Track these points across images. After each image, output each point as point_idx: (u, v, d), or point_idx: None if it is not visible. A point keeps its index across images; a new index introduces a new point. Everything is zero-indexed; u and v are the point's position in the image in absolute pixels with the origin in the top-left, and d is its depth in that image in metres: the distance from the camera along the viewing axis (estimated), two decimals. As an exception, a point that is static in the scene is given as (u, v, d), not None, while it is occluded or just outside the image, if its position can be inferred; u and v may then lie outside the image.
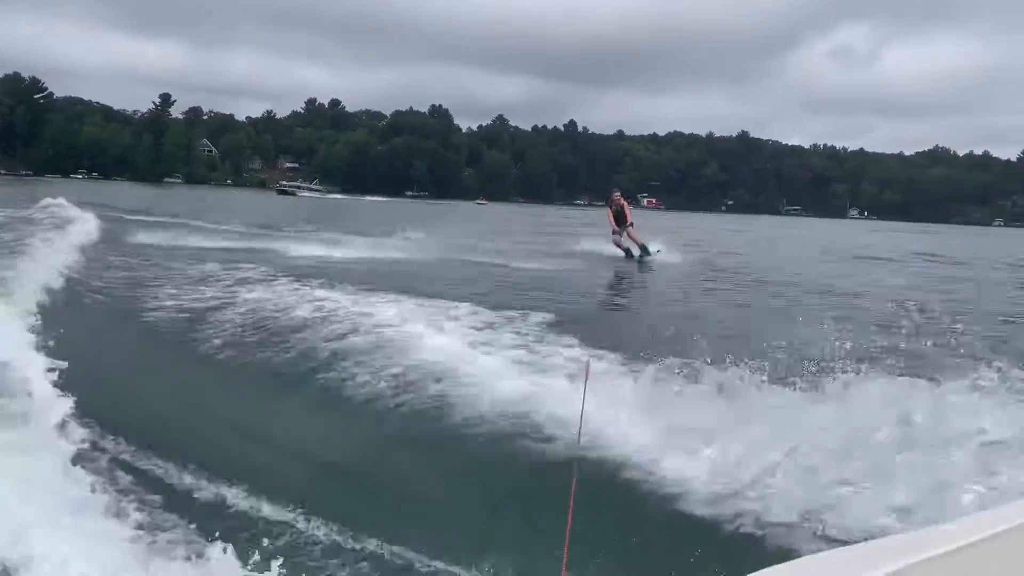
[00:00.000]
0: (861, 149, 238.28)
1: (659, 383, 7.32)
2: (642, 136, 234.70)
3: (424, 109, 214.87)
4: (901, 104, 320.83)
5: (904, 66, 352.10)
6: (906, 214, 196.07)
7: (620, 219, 22.89)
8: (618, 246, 23.08)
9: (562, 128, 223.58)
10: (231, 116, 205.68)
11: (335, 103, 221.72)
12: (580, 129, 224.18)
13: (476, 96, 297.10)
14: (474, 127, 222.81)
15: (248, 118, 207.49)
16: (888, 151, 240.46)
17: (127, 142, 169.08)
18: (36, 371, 7.63)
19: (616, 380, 7.68)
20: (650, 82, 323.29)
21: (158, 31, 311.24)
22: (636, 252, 22.66)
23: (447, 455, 6.30)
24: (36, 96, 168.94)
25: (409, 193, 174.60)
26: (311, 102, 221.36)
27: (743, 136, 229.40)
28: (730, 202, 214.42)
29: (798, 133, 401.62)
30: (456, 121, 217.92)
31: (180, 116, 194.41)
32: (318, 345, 9.49)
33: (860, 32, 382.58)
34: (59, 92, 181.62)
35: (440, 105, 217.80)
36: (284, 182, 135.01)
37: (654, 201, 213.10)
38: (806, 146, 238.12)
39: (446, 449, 6.39)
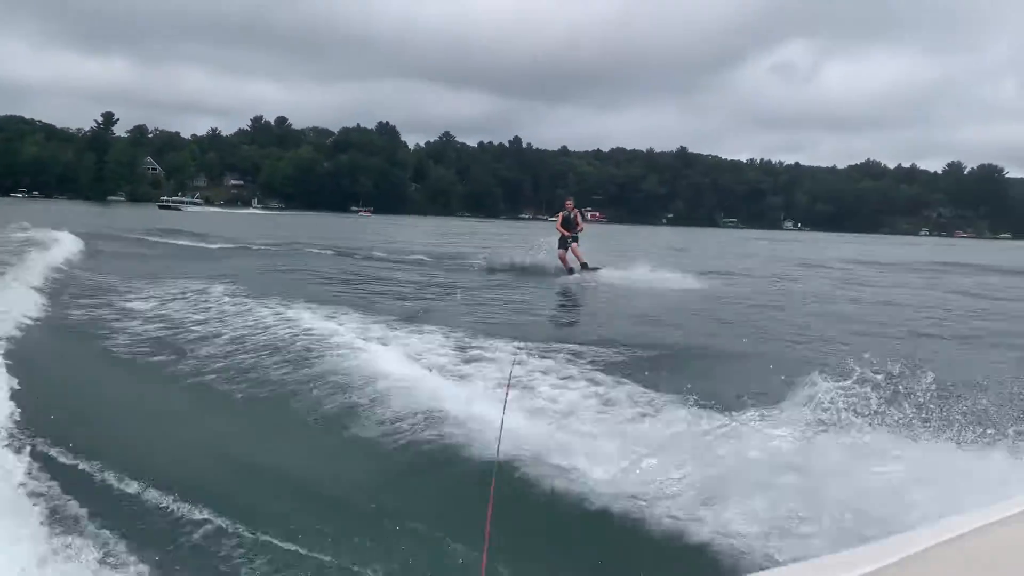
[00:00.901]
0: (796, 163, 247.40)
1: (585, 394, 7.78)
2: (586, 152, 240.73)
3: (372, 126, 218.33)
4: (839, 119, 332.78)
5: (842, 82, 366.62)
6: (838, 225, 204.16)
7: (569, 225, 22.81)
8: (562, 260, 22.88)
9: (507, 144, 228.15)
10: (177, 134, 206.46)
11: (281, 120, 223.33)
12: (525, 145, 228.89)
13: (425, 112, 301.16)
14: (422, 143, 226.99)
15: (193, 136, 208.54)
16: (824, 164, 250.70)
17: (69, 160, 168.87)
18: None
19: (538, 387, 7.98)
20: (596, 99, 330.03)
21: (105, 47, 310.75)
22: (578, 269, 22.47)
23: (364, 459, 6.34)
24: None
25: (354, 208, 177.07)
26: (257, 119, 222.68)
27: (682, 151, 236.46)
28: (670, 215, 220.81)
29: (741, 148, 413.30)
30: (404, 138, 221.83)
31: (125, 134, 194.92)
32: (246, 356, 9.71)
33: (800, 49, 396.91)
34: (0, 111, 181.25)
35: (387, 122, 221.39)
36: (165, 197, 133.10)
37: (597, 215, 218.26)
38: (744, 160, 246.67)
39: (362, 453, 6.44)
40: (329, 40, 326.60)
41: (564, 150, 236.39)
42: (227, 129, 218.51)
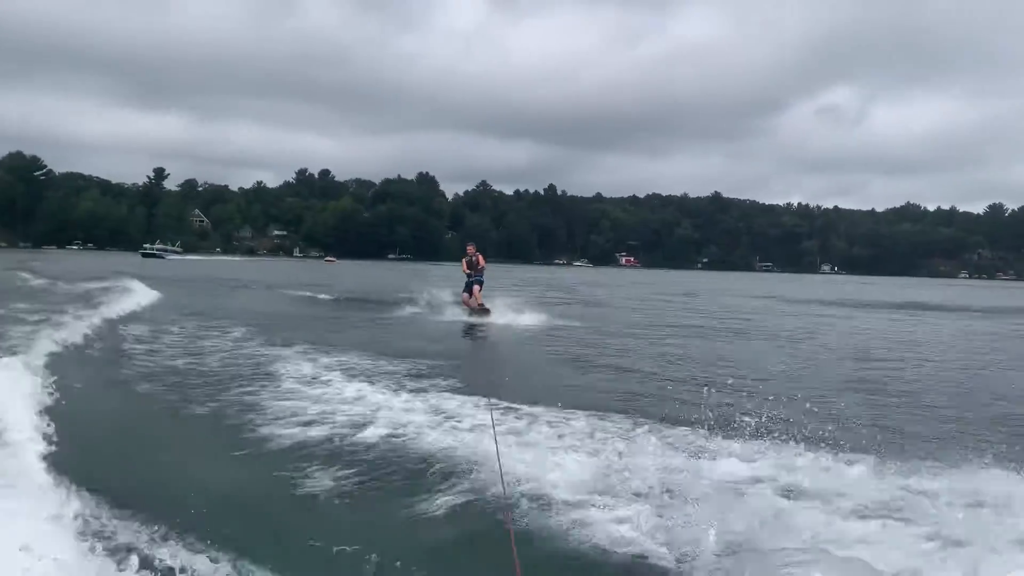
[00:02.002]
0: (836, 207, 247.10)
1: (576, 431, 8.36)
2: (621, 198, 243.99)
3: (413, 176, 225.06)
4: (879, 162, 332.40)
5: (885, 126, 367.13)
6: (875, 269, 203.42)
7: (472, 266, 24.36)
8: (465, 302, 24.38)
9: (542, 192, 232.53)
10: (225, 187, 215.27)
11: (325, 172, 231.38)
12: (560, 192, 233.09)
13: (463, 162, 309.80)
14: (460, 192, 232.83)
15: (240, 188, 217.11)
16: (863, 208, 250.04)
17: (122, 214, 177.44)
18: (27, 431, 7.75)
19: (525, 428, 8.50)
20: (632, 146, 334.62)
21: (161, 104, 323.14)
22: (476, 308, 23.85)
23: (377, 507, 6.34)
24: (36, 173, 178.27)
25: (391, 256, 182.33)
26: (302, 172, 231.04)
27: (716, 196, 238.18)
28: (705, 260, 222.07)
29: (776, 192, 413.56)
30: (442, 187, 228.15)
31: (176, 188, 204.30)
32: (262, 399, 10.08)
33: (845, 93, 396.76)
34: (61, 167, 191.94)
35: (427, 172, 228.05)
36: (147, 245, 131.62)
37: (632, 260, 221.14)
38: (781, 204, 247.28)
39: (376, 501, 6.46)
40: (374, 94, 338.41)
41: (599, 196, 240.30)
42: (274, 182, 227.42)
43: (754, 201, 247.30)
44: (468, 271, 24.52)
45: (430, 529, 5.92)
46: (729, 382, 11.44)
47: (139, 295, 26.72)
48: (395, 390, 10.62)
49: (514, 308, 24.65)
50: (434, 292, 29.06)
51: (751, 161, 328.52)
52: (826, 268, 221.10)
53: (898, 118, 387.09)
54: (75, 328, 16.02)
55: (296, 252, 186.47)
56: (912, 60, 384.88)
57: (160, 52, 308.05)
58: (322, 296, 33.89)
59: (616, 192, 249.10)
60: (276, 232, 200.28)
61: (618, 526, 5.73)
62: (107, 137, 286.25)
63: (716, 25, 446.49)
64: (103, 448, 8.00)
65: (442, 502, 6.34)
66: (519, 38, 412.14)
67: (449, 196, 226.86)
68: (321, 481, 6.82)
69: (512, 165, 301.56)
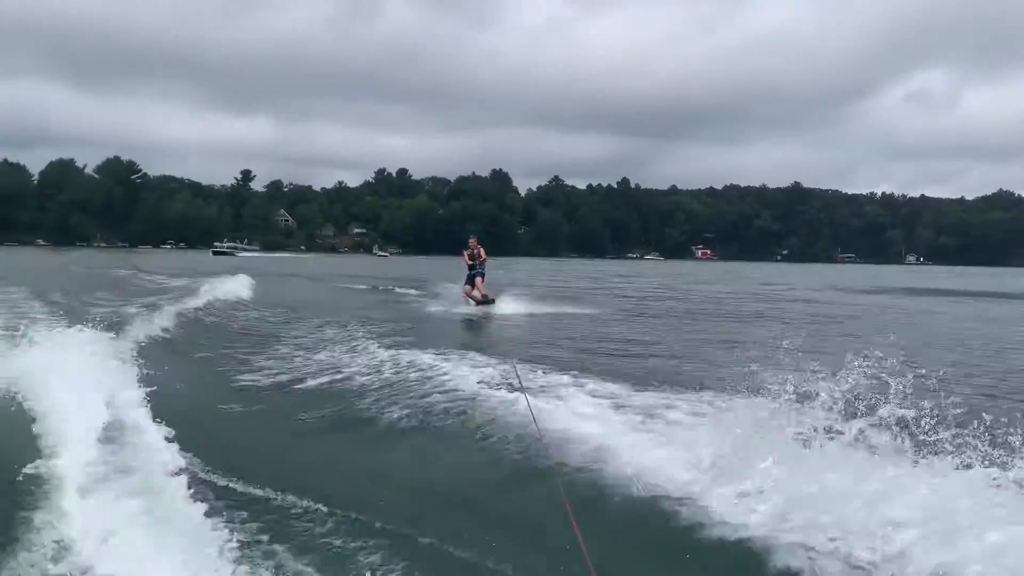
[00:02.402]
0: (922, 196, 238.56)
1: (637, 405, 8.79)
2: (698, 190, 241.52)
3: (487, 173, 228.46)
4: (971, 149, 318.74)
5: (978, 111, 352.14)
6: (963, 259, 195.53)
7: (473, 258, 24.91)
8: (467, 294, 24.89)
9: (615, 185, 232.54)
10: (309, 187, 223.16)
11: (403, 171, 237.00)
12: (633, 186, 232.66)
13: (537, 158, 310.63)
14: (533, 187, 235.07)
15: (323, 188, 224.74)
16: (951, 196, 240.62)
17: (211, 215, 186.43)
18: (143, 415, 7.88)
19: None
20: (710, 137, 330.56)
21: (248, 108, 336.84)
22: (478, 300, 24.35)
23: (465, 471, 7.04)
24: (132, 176, 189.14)
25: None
26: (380, 171, 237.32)
27: (795, 187, 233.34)
28: (784, 251, 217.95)
29: (859, 181, 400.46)
30: (516, 183, 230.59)
31: (262, 189, 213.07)
32: (371, 390, 10.65)
33: (935, 78, 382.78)
34: (155, 170, 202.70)
35: (501, 169, 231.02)
36: (218, 243, 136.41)
37: (708, 252, 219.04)
38: (864, 194, 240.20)
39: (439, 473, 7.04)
40: (450, 92, 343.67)
41: (673, 189, 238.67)
42: (355, 181, 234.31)
43: (836, 191, 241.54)
44: (470, 263, 24.97)
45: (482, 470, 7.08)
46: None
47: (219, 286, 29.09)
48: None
49: (516, 299, 25.62)
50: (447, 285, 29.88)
51: (833, 150, 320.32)
52: (911, 259, 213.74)
53: (991, 102, 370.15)
54: (174, 312, 18.85)
55: (375, 249, 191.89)
56: (1006, 41, 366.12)
57: (248, 58, 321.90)
58: (359, 286, 37.53)
59: (692, 184, 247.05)
60: (356, 230, 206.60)
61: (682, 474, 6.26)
62: (198, 141, 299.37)
63: (795, 9, 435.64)
64: (209, 422, 9.07)
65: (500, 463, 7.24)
66: (592, 30, 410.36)
67: (522, 192, 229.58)
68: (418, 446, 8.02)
69: (585, 159, 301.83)
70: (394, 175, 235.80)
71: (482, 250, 25.18)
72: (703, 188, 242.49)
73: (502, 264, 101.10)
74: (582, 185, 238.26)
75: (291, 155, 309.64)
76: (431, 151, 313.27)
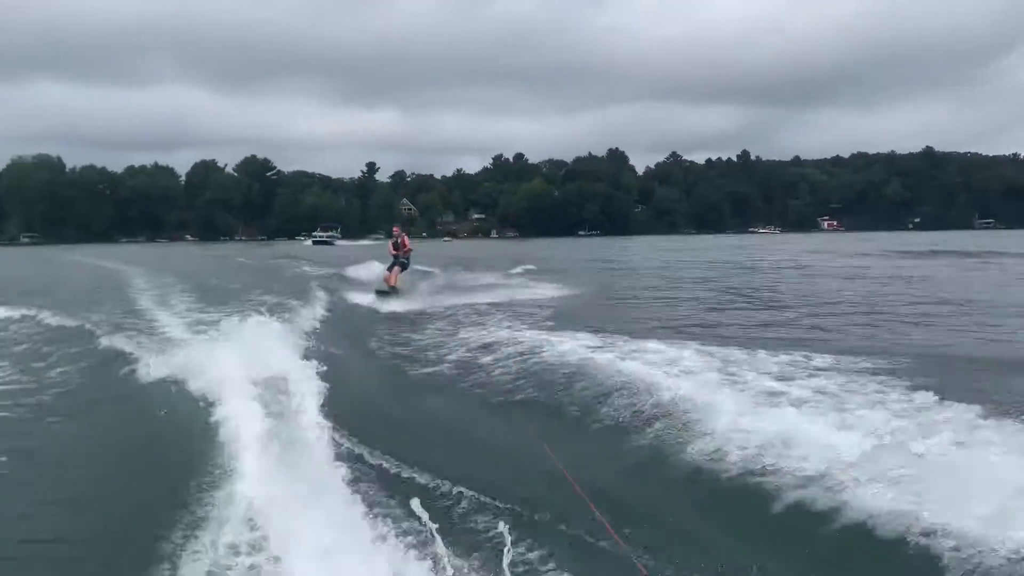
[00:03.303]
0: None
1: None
2: (823, 159, 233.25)
3: (603, 152, 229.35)
4: None
5: None
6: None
7: (397, 247, 25.37)
8: (386, 280, 24.91)
9: (735, 159, 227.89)
10: (430, 175, 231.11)
11: (519, 156, 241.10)
12: (754, 158, 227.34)
13: (654, 134, 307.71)
14: (651, 165, 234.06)
15: (443, 176, 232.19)
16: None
17: (340, 207, 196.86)
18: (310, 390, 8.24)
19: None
20: (833, 103, 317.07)
21: (372, 102, 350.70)
22: (386, 288, 24.27)
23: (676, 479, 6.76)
24: (268, 173, 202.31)
25: (581, 232, 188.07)
26: (498, 157, 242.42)
27: (928, 151, 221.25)
28: (917, 219, 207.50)
29: (1007, 143, 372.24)
30: (632, 161, 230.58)
31: (387, 180, 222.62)
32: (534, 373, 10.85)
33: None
34: (288, 166, 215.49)
35: (617, 148, 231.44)
36: (316, 233, 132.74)
37: (834, 223, 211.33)
38: (1007, 155, 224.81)
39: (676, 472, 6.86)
40: (568, 72, 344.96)
41: (796, 160, 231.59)
42: (475, 167, 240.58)
43: (975, 154, 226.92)
44: (394, 252, 25.26)
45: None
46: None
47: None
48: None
49: (431, 292, 25.02)
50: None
51: (973, 110, 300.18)
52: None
53: None
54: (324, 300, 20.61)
55: (493, 233, 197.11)
56: None
57: (371, 53, 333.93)
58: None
59: (816, 154, 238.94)
60: (475, 216, 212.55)
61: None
62: (326, 136, 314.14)
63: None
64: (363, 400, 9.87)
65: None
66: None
67: (640, 170, 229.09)
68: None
69: (704, 133, 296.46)
70: (511, 160, 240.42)
71: (407, 239, 25.81)
72: (828, 157, 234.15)
73: (608, 245, 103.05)
74: (701, 160, 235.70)
75: (414, 145, 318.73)
76: (549, 133, 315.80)
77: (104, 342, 13.29)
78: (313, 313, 17.49)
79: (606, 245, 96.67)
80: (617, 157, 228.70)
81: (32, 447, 8.22)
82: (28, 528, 6.08)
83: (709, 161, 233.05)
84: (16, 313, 18.07)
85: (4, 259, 72.03)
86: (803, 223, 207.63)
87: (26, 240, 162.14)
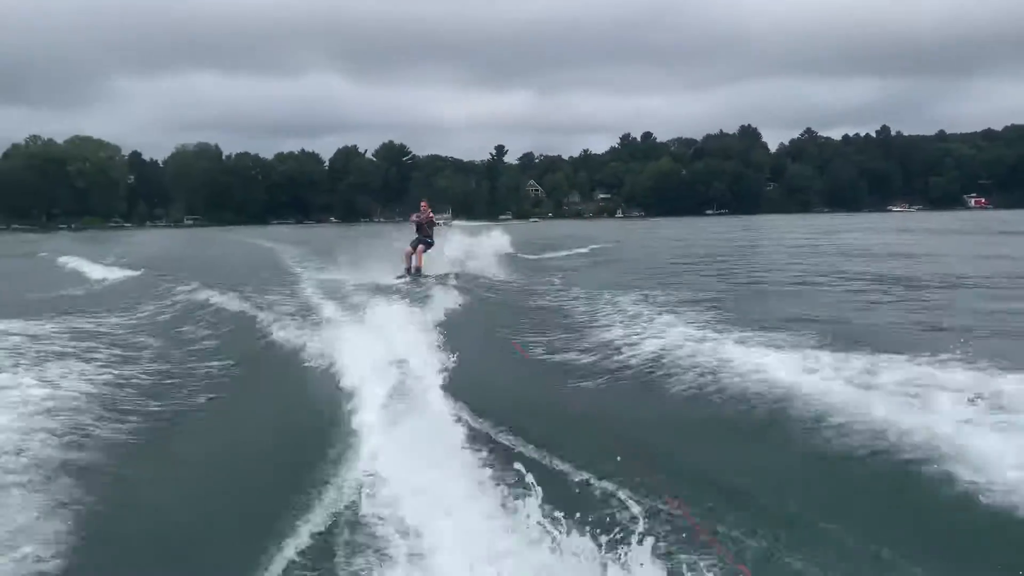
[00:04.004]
0: None
1: None
2: (972, 133, 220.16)
3: (734, 130, 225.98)
4: None
5: None
6: None
7: (422, 228, 24.09)
8: (406, 257, 23.88)
9: (874, 135, 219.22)
10: (558, 156, 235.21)
11: (647, 135, 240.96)
12: (894, 133, 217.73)
13: (789, 110, 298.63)
14: (786, 141, 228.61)
15: (570, 157, 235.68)
16: None
17: (470, 189, 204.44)
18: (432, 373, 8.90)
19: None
20: (984, 72, 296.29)
21: (503, 84, 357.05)
22: (413, 270, 23.36)
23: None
24: (404, 158, 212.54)
25: (709, 211, 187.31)
26: (625, 136, 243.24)
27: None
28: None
29: None
30: (764, 137, 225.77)
31: (516, 161, 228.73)
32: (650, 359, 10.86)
33: None
34: (423, 151, 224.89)
35: (749, 124, 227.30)
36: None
37: (983, 201, 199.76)
38: None
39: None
40: (703, 47, 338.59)
41: (941, 134, 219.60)
42: (603, 147, 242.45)
43: None
44: (418, 232, 24.13)
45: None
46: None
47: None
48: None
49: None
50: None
51: None
52: None
53: None
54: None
55: (618, 213, 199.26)
56: None
57: (506, 36, 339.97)
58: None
59: (963, 127, 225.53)
60: (601, 196, 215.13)
61: None
62: (458, 119, 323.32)
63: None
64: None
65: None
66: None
67: (772, 147, 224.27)
68: None
69: (841, 108, 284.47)
70: (639, 139, 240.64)
71: (432, 215, 24.68)
72: (977, 131, 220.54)
73: (733, 225, 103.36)
74: (837, 136, 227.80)
75: (544, 125, 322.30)
76: (679, 111, 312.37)
77: (260, 317, 14.99)
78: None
79: (713, 224, 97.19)
80: (749, 134, 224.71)
81: (188, 406, 9.42)
82: (185, 476, 7.06)
83: (846, 137, 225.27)
84: (186, 288, 20.71)
85: (173, 238, 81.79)
86: (947, 200, 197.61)
87: (189, 222, 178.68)
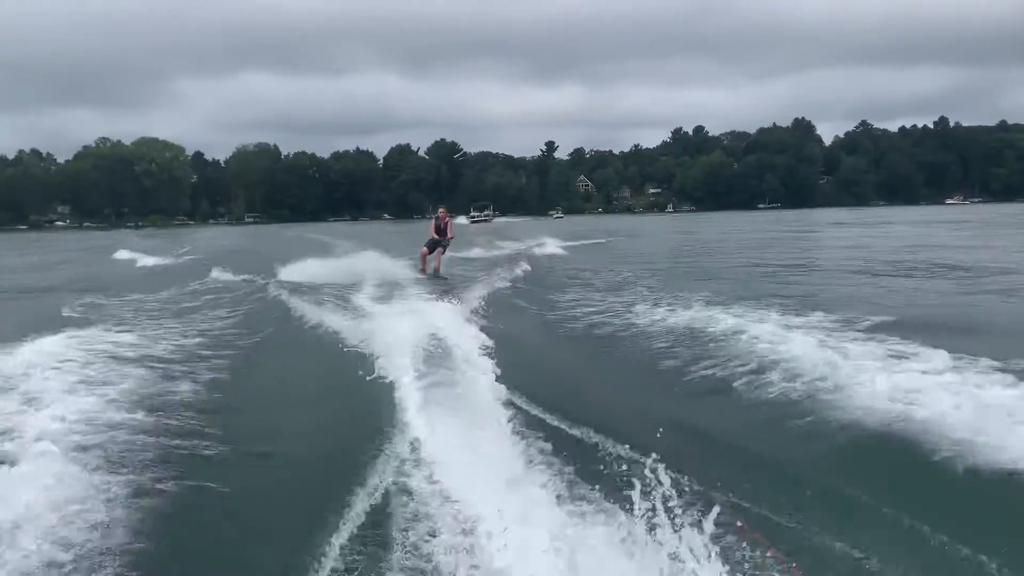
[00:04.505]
0: None
1: None
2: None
3: (788, 123, 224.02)
4: None
5: None
6: None
7: (440, 232, 24.19)
8: (422, 258, 24.09)
9: (931, 126, 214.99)
10: (608, 151, 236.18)
11: (699, 128, 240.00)
12: (953, 125, 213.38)
13: (845, 102, 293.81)
14: (840, 134, 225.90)
15: (620, 152, 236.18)
16: None
17: (521, 184, 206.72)
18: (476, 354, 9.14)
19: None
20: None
21: (553, 79, 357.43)
22: (430, 273, 23.45)
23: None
24: (455, 156, 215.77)
25: (761, 205, 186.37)
26: (677, 130, 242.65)
27: None
28: None
29: None
30: (819, 130, 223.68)
31: (567, 157, 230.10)
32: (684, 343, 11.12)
33: None
34: (474, 147, 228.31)
35: (803, 117, 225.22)
36: (474, 212, 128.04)
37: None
38: None
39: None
40: (759, 38, 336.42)
41: (1002, 125, 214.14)
42: (653, 142, 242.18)
43: None
44: (436, 236, 24.28)
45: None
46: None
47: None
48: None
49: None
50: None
51: None
52: None
53: None
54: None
55: (668, 208, 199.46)
56: None
57: (556, 30, 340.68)
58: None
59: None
60: (651, 190, 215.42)
61: None
62: (509, 116, 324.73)
63: None
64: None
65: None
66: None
67: (827, 140, 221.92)
68: None
69: (898, 99, 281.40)
70: (690, 133, 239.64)
71: (450, 222, 24.82)
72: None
73: (789, 217, 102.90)
74: (893, 127, 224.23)
75: (595, 120, 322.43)
76: (732, 104, 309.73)
77: (310, 310, 14.75)
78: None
79: (789, 219, 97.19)
80: (802, 127, 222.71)
81: (248, 388, 9.67)
82: (248, 452, 7.15)
83: (903, 129, 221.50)
84: (238, 278, 22.02)
85: (242, 235, 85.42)
86: (1008, 193, 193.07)
87: (250, 220, 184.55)
